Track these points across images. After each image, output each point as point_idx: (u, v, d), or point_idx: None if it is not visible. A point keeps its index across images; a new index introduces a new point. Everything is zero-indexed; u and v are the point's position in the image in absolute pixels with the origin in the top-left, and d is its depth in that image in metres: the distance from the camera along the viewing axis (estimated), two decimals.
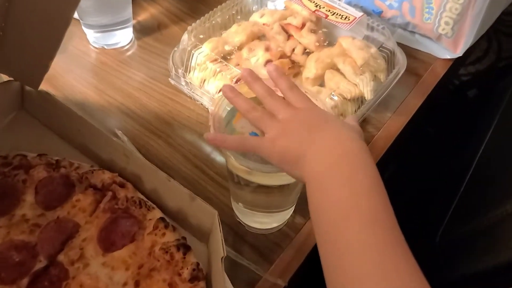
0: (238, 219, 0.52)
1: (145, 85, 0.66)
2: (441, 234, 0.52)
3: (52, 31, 0.48)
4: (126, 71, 0.68)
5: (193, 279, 0.44)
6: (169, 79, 0.61)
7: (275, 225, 0.51)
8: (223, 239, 0.44)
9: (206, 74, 0.60)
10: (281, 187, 0.45)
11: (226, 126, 0.43)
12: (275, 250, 0.50)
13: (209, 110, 0.42)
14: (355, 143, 0.37)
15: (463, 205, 0.54)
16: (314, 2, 0.65)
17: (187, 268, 0.45)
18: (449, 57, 0.72)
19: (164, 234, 0.47)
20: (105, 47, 0.70)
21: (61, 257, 0.46)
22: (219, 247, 0.44)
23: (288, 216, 0.52)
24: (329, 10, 0.64)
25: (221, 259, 0.43)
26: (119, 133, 0.59)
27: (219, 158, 0.58)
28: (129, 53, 0.71)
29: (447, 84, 1.04)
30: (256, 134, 0.41)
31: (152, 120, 0.61)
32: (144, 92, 0.65)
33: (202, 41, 0.62)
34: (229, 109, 0.44)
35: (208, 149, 0.59)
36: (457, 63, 0.75)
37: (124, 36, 0.71)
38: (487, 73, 1.05)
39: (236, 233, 0.52)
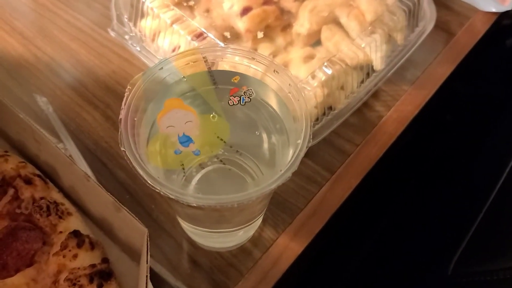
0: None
1: (86, 34, 0.50)
2: (454, 265, 0.38)
3: None
4: (64, 12, 0.52)
5: None
6: (109, 29, 0.45)
7: (233, 244, 0.38)
8: (148, 274, 0.31)
9: (159, 25, 0.44)
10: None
11: (152, 127, 0.28)
12: (232, 276, 0.38)
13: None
14: None
15: (484, 231, 0.40)
16: None
17: None
18: (494, 10, 0.54)
19: (75, 255, 0.34)
20: None
21: None
22: (143, 283, 0.31)
23: (253, 231, 0.39)
24: None
25: None
26: (43, 100, 0.45)
27: None
28: None
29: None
30: (188, 138, 0.27)
31: (89, 83, 0.47)
32: (83, 44, 0.49)
33: None
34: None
35: None
36: (502, 17, 0.57)
37: None
38: None
39: (182, 249, 0.39)
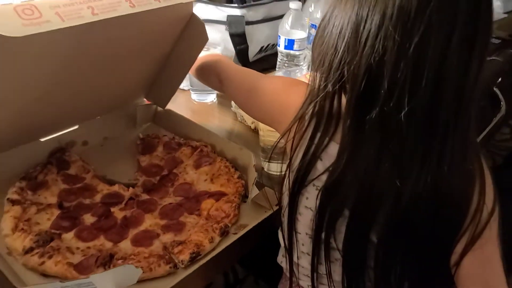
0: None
1: (220, 119, 1.17)
2: None
3: (184, 69, 1.01)
4: (212, 115, 1.20)
5: (239, 178, 0.88)
6: (231, 107, 1.12)
7: None
8: (255, 162, 0.88)
9: None
10: None
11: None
12: None
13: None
14: None
15: None
16: None
17: (237, 174, 0.89)
18: None
19: (225, 163, 0.92)
20: (202, 101, 1.24)
21: (175, 170, 0.92)
22: (252, 170, 0.87)
23: None
24: None
25: (254, 179, 0.86)
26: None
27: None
28: (214, 105, 1.24)
29: None
30: None
31: (222, 132, 1.11)
32: (222, 121, 1.16)
33: None
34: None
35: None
36: None
37: (211, 97, 1.25)
38: None
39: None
